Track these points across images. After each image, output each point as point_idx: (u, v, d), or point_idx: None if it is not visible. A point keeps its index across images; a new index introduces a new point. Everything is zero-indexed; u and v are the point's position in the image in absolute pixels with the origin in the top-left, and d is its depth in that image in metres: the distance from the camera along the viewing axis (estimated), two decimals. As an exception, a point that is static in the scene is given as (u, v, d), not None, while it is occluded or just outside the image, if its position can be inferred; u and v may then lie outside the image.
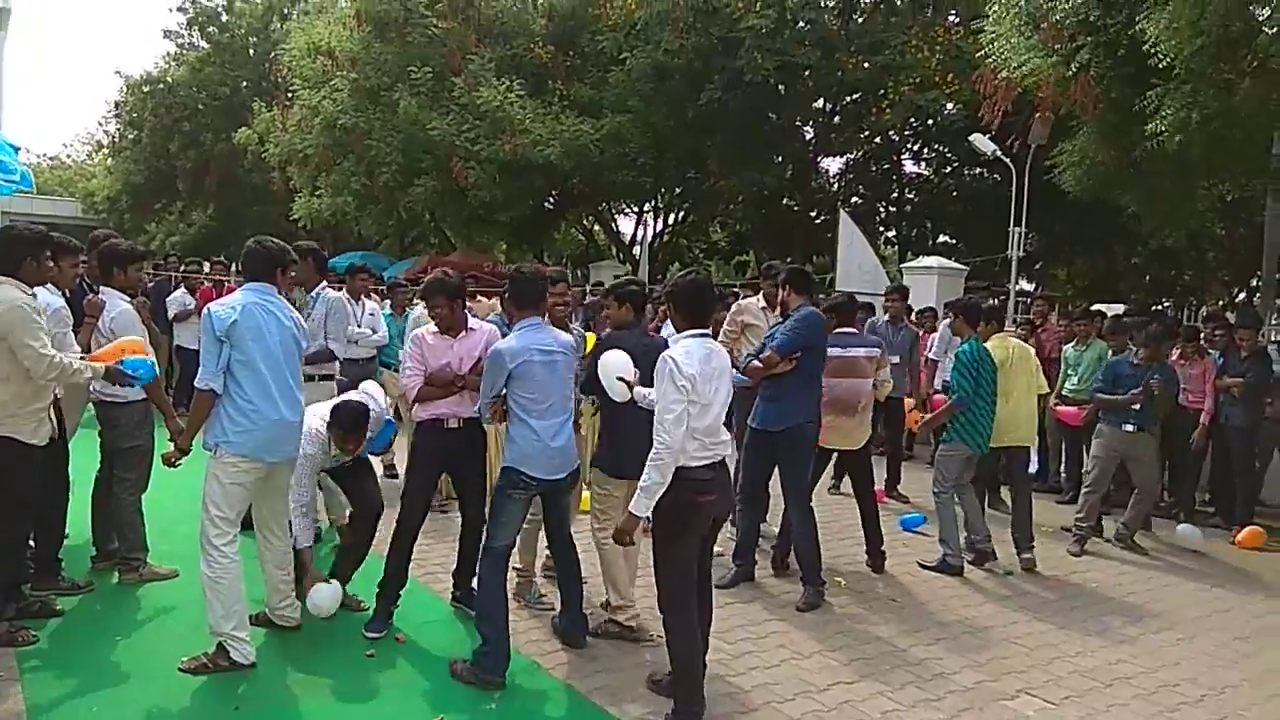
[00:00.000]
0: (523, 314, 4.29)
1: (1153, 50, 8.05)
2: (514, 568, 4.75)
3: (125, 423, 4.94)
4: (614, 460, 4.54)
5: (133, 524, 5.03)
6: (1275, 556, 6.91)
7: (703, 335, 3.82)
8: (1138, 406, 6.56)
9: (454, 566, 4.98)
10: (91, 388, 4.91)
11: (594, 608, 4.70)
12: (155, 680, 3.93)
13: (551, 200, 21.41)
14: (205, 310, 4.12)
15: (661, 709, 3.81)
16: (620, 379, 4.15)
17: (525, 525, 4.53)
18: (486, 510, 4.50)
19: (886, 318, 8.54)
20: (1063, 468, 8.42)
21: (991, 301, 9.41)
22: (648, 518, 3.68)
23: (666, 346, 3.93)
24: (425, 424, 4.60)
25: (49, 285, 4.60)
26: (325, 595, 4.53)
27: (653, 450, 3.55)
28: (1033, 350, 6.59)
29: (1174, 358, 7.72)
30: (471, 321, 4.69)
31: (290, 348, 4.20)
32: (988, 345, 6.09)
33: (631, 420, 4.17)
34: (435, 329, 4.62)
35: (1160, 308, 19.65)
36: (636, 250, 23.01)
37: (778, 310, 5.71)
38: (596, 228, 26.02)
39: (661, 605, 3.78)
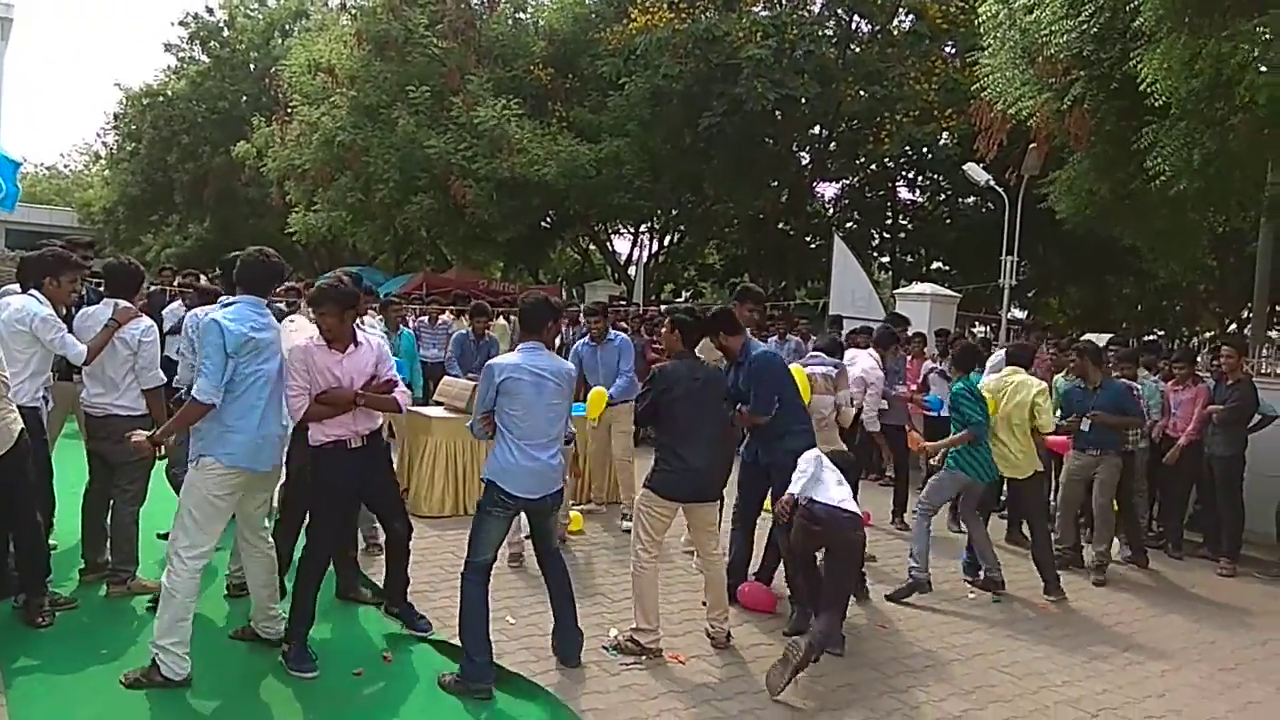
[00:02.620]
0: (525, 338, 4.39)
1: (1148, 90, 8.16)
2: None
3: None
4: (665, 484, 4.69)
5: (129, 536, 5.02)
6: (1263, 588, 6.94)
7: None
8: (1085, 428, 6.79)
9: (394, 587, 4.92)
10: (88, 401, 4.92)
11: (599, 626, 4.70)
12: (141, 695, 3.92)
13: (548, 220, 21.51)
14: (210, 321, 3.99)
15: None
16: None
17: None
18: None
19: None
20: (1053, 495, 8.44)
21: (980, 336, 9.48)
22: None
23: (720, 373, 4.78)
24: (326, 448, 4.28)
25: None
26: None
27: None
28: (1034, 386, 6.51)
29: (1169, 383, 7.80)
30: (359, 335, 4.39)
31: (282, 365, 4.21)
32: (996, 377, 6.34)
33: (689, 447, 4.60)
34: (320, 341, 4.24)
35: (1153, 338, 19.76)
36: (632, 271, 23.10)
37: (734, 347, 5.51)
38: (592, 248, 26.14)
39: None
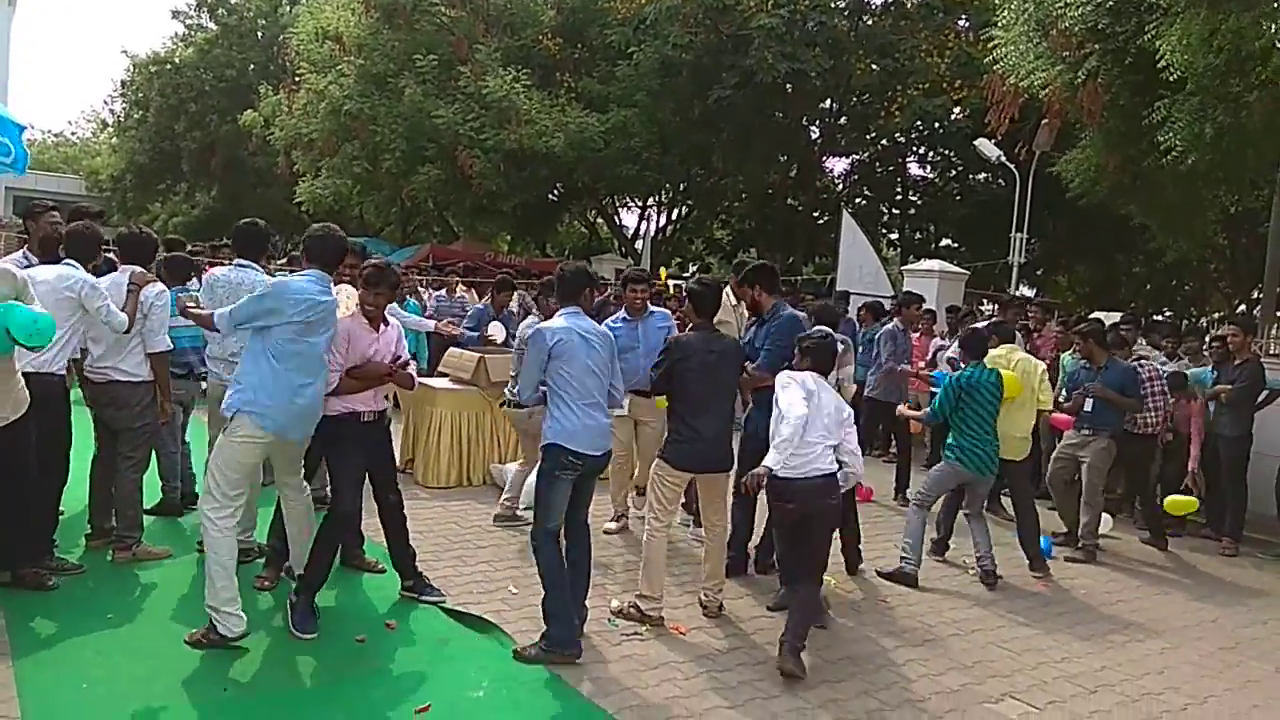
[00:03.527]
0: (564, 304, 4.52)
1: (1164, 65, 8.06)
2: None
3: (137, 402, 4.96)
4: (678, 455, 4.76)
5: (134, 502, 5.07)
6: (1264, 568, 6.94)
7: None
8: (1089, 408, 6.78)
9: (402, 559, 4.94)
10: (91, 366, 4.93)
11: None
12: (146, 659, 3.96)
13: (555, 192, 21.43)
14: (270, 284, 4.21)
15: (647, 700, 3.86)
16: None
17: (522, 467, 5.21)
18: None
19: (901, 326, 8.30)
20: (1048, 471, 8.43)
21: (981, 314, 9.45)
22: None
23: (737, 346, 4.84)
24: (341, 418, 4.45)
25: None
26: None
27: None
28: (1038, 366, 6.50)
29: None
30: (386, 314, 4.68)
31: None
32: (994, 354, 6.26)
33: (701, 418, 4.67)
34: (362, 320, 4.52)
35: (1161, 317, 19.67)
36: (639, 244, 23.02)
37: (744, 307, 5.66)
38: (599, 221, 26.04)
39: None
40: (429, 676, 4.05)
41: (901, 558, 5.93)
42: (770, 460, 4.30)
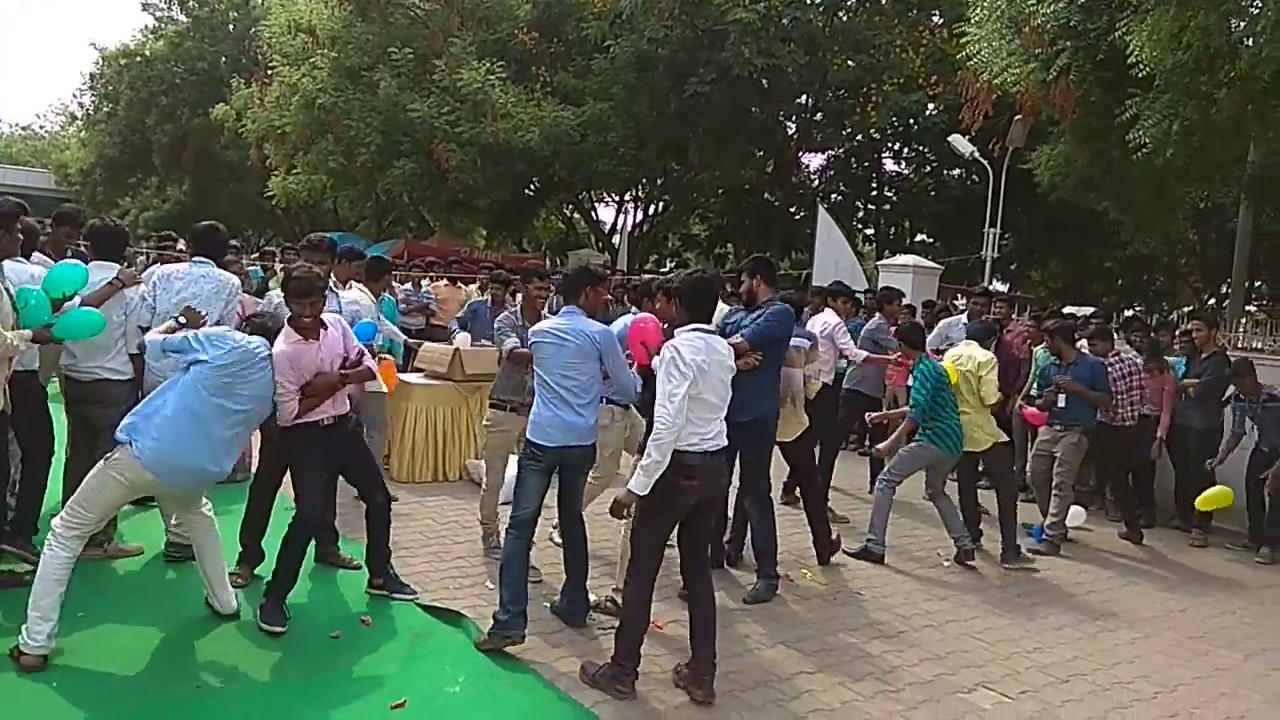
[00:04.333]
0: (566, 303, 4.62)
1: (1134, 61, 8.15)
2: (480, 521, 5.55)
3: (119, 399, 4.87)
4: None
5: None
6: (1232, 560, 7.04)
7: (705, 330, 4.04)
8: (1061, 404, 6.89)
9: (377, 558, 4.88)
10: (75, 366, 4.84)
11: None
12: (118, 657, 3.91)
13: (532, 187, 21.36)
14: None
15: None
16: None
17: (485, 493, 5.25)
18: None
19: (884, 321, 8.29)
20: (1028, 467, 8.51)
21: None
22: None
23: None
24: (300, 428, 4.34)
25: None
26: None
27: (654, 431, 3.80)
28: (981, 362, 6.48)
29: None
30: (322, 317, 4.41)
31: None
32: (951, 353, 6.44)
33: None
34: (295, 338, 4.25)
35: (1132, 311, 19.90)
36: (616, 239, 23.01)
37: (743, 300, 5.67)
38: (576, 216, 26.00)
39: (628, 569, 4.11)
40: (405, 672, 4.03)
41: (867, 538, 6.08)
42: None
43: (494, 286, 8.54)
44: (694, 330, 4.01)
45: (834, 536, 6.06)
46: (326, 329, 4.38)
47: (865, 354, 7.21)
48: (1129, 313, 18.21)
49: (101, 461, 3.97)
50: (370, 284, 6.44)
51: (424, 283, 12.24)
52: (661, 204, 24.12)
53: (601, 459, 5.25)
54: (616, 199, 24.52)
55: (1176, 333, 8.71)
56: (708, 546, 4.33)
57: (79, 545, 3.94)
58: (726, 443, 4.11)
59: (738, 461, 5.35)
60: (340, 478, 4.82)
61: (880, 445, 6.74)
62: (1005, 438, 6.68)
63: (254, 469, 5.24)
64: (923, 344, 6.42)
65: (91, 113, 31.41)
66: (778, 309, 5.27)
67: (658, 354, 4.12)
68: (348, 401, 4.63)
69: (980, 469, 6.83)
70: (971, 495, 6.68)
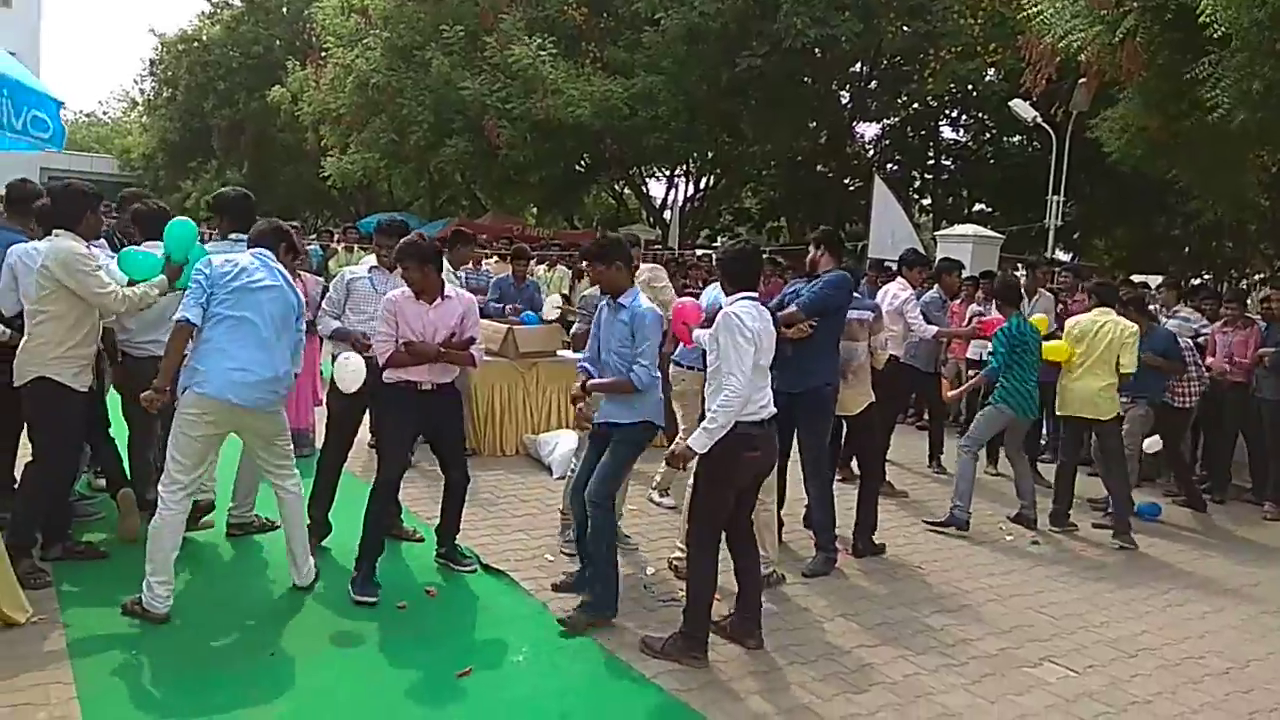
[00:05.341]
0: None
1: (1208, 21, 7.84)
2: (560, 510, 5.34)
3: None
4: None
5: None
6: (1308, 533, 6.85)
7: (753, 299, 4.02)
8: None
9: (446, 531, 4.99)
10: (131, 342, 4.98)
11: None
12: (192, 625, 4.04)
13: (582, 163, 21.32)
14: (205, 259, 4.23)
15: (682, 669, 3.90)
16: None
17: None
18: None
19: (940, 294, 7.95)
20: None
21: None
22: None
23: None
24: (397, 386, 4.50)
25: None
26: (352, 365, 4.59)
27: (723, 396, 3.78)
28: (1127, 329, 6.25)
29: (1218, 324, 7.64)
30: (449, 289, 4.59)
31: (285, 310, 4.24)
32: (1088, 317, 6.31)
33: None
34: (410, 293, 4.48)
35: (1201, 280, 19.29)
36: (667, 214, 22.91)
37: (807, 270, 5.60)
38: (627, 191, 25.89)
39: (689, 542, 4.16)
40: (469, 642, 4.11)
41: (953, 505, 6.06)
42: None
43: (516, 263, 8.79)
44: (744, 298, 4.00)
45: (878, 542, 5.71)
46: (447, 299, 4.52)
47: (935, 329, 7.07)
48: (1196, 281, 17.63)
49: (177, 414, 4.11)
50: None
51: (484, 263, 12.30)
52: (713, 178, 23.91)
53: (687, 420, 5.23)
54: (667, 173, 24.37)
55: (1246, 301, 8.42)
56: (752, 514, 4.30)
57: (187, 502, 4.14)
58: (776, 410, 4.11)
59: (794, 435, 5.28)
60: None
61: (950, 393, 6.81)
62: (1120, 411, 6.45)
63: (319, 445, 5.33)
64: (1017, 302, 6.36)
65: (152, 98, 32.03)
66: (833, 276, 5.19)
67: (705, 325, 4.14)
68: (454, 372, 4.65)
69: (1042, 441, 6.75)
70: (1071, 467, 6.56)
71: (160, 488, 4.10)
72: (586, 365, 4.61)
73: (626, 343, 4.35)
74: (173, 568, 4.09)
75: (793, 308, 5.07)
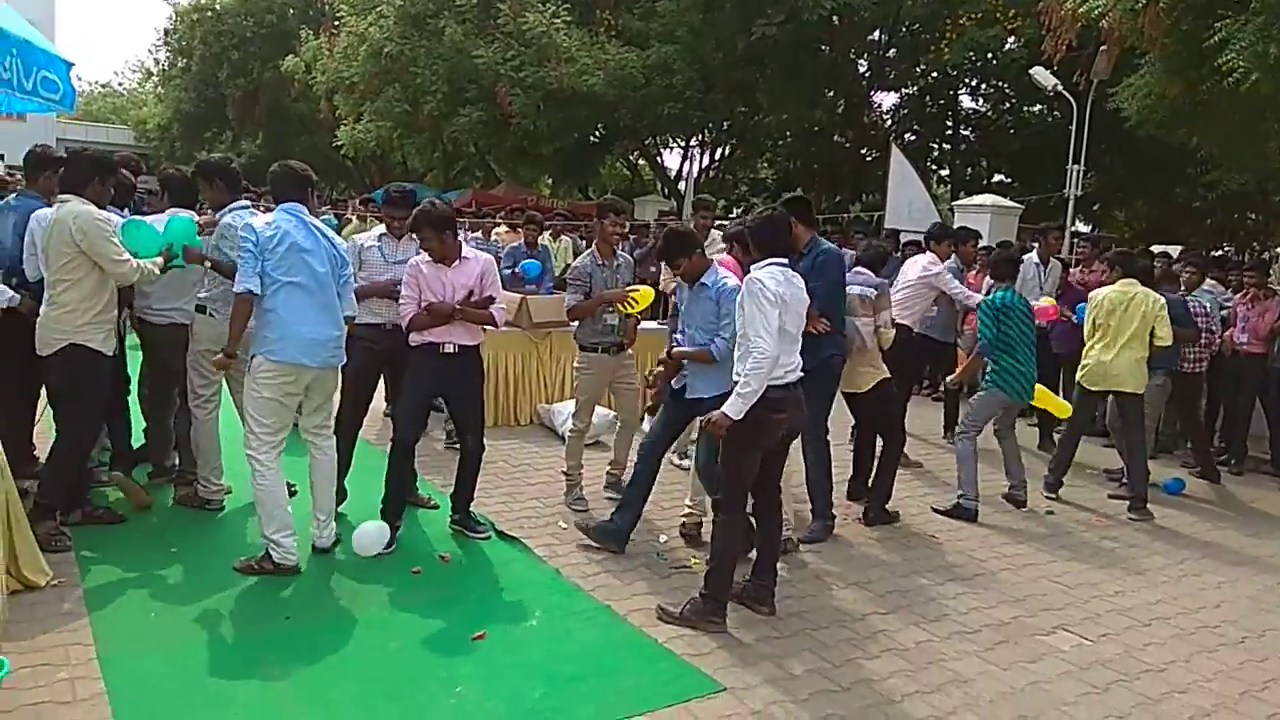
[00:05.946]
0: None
1: None
2: (564, 472, 5.56)
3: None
4: None
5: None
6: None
7: (781, 264, 4.02)
8: None
9: (461, 498, 5.05)
10: (151, 308, 5.00)
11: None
12: (210, 589, 4.09)
13: (597, 133, 21.20)
14: (246, 225, 4.27)
15: (695, 630, 3.92)
16: None
17: (571, 438, 5.41)
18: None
19: (958, 264, 7.87)
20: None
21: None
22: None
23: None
24: (420, 348, 4.67)
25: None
26: (369, 534, 4.52)
27: (752, 359, 3.82)
28: (1157, 301, 6.20)
29: (1240, 296, 7.56)
30: (467, 251, 4.75)
31: (329, 265, 4.33)
32: (1115, 289, 6.20)
33: None
34: (430, 258, 4.64)
35: (1221, 251, 19.08)
36: (682, 185, 22.78)
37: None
38: (642, 162, 25.77)
39: (719, 505, 4.17)
40: (483, 606, 4.14)
41: (959, 495, 5.90)
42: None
43: (529, 227, 8.89)
44: (771, 264, 4.00)
45: (894, 512, 5.71)
46: (466, 260, 4.68)
47: (979, 296, 6.94)
48: (1218, 252, 17.44)
49: (248, 380, 4.26)
50: None
51: (494, 232, 12.37)
52: (728, 148, 23.74)
53: None
54: (682, 144, 24.21)
55: (1270, 272, 8.33)
56: (780, 478, 4.35)
57: (279, 458, 4.31)
58: (803, 373, 4.12)
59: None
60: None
61: (951, 377, 6.71)
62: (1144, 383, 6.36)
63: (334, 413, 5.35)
64: (1011, 276, 6.13)
65: (166, 69, 31.96)
66: (824, 260, 5.03)
67: None
68: (479, 335, 4.77)
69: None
70: (1073, 439, 6.55)
71: (249, 453, 4.25)
72: (677, 337, 4.81)
73: (712, 318, 4.48)
74: (290, 516, 4.29)
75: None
